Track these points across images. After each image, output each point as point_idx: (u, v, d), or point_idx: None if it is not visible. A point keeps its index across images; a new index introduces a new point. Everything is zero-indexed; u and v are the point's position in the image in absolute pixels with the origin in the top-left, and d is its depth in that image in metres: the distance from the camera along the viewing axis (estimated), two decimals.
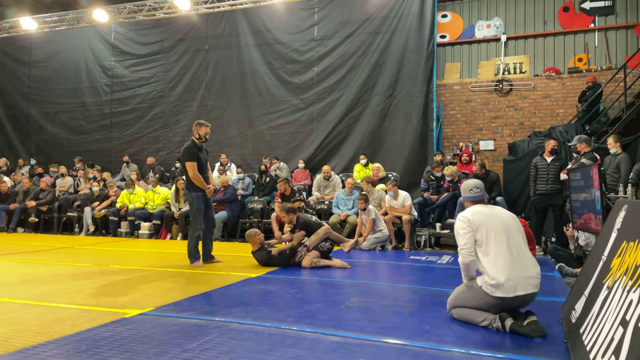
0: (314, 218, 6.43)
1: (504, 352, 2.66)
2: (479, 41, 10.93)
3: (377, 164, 9.24)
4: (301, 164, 10.20)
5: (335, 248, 6.14)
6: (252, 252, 5.77)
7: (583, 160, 6.18)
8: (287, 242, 5.99)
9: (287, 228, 6.35)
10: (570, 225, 5.85)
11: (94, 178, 10.80)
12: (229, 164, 10.62)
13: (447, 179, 8.25)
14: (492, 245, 3.04)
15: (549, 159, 7.18)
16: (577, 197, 5.62)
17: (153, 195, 9.62)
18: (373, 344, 2.80)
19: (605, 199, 4.51)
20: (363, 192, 7.91)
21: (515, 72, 10.61)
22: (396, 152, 9.99)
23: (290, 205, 6.13)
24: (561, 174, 6.95)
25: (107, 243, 8.35)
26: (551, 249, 6.12)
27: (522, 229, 3.22)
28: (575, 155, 6.74)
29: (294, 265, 5.62)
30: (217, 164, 10.41)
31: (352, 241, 6.20)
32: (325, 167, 9.51)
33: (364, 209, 7.41)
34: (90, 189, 10.49)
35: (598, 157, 6.28)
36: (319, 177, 9.53)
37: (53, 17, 12.68)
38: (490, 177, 7.77)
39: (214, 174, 9.21)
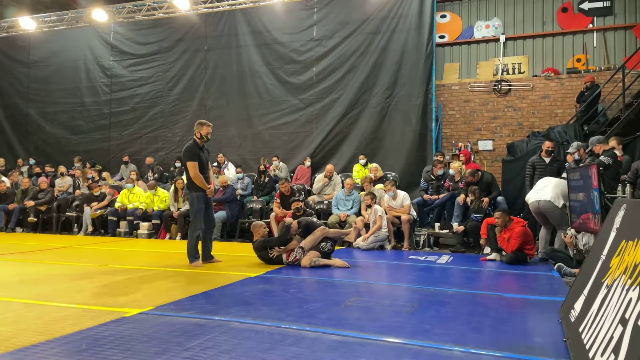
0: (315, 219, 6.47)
1: (504, 351, 2.67)
2: (478, 41, 10.95)
3: (375, 164, 9.26)
4: (307, 162, 10.17)
5: (337, 247, 6.14)
6: (253, 242, 5.92)
7: (602, 158, 5.72)
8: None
9: (289, 218, 6.39)
10: (568, 231, 5.78)
11: (92, 178, 10.78)
12: (225, 163, 10.58)
13: (451, 172, 8.26)
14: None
15: (547, 160, 7.16)
16: (576, 197, 5.63)
17: (153, 198, 9.60)
18: (373, 343, 2.81)
19: (604, 199, 4.52)
20: (368, 192, 7.97)
21: (514, 73, 10.63)
22: (395, 152, 9.99)
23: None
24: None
25: (106, 243, 8.34)
26: (549, 251, 6.14)
27: (561, 182, 6.17)
28: (588, 158, 6.42)
29: (292, 265, 5.64)
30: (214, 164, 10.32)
31: (352, 229, 6.21)
32: (329, 167, 9.44)
33: (369, 206, 7.55)
34: (88, 188, 10.44)
35: (618, 154, 6.06)
36: (319, 176, 9.50)
37: (52, 16, 12.65)
38: (485, 178, 7.60)
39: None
